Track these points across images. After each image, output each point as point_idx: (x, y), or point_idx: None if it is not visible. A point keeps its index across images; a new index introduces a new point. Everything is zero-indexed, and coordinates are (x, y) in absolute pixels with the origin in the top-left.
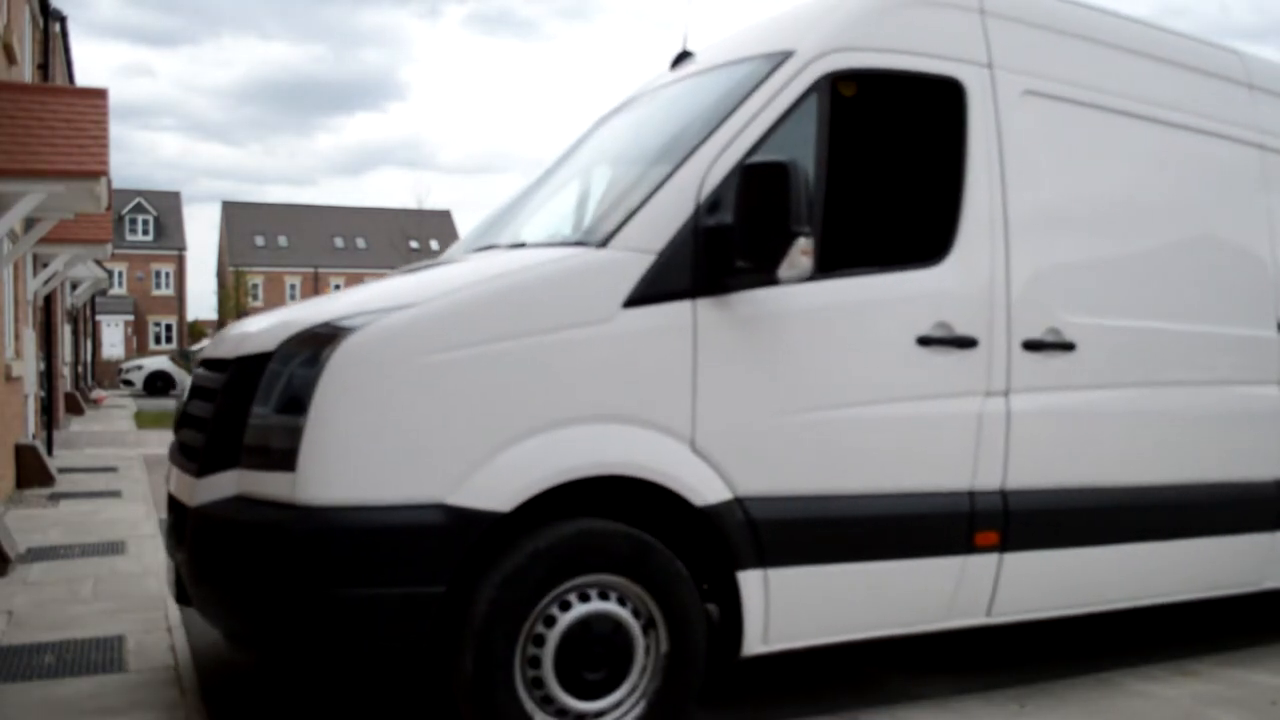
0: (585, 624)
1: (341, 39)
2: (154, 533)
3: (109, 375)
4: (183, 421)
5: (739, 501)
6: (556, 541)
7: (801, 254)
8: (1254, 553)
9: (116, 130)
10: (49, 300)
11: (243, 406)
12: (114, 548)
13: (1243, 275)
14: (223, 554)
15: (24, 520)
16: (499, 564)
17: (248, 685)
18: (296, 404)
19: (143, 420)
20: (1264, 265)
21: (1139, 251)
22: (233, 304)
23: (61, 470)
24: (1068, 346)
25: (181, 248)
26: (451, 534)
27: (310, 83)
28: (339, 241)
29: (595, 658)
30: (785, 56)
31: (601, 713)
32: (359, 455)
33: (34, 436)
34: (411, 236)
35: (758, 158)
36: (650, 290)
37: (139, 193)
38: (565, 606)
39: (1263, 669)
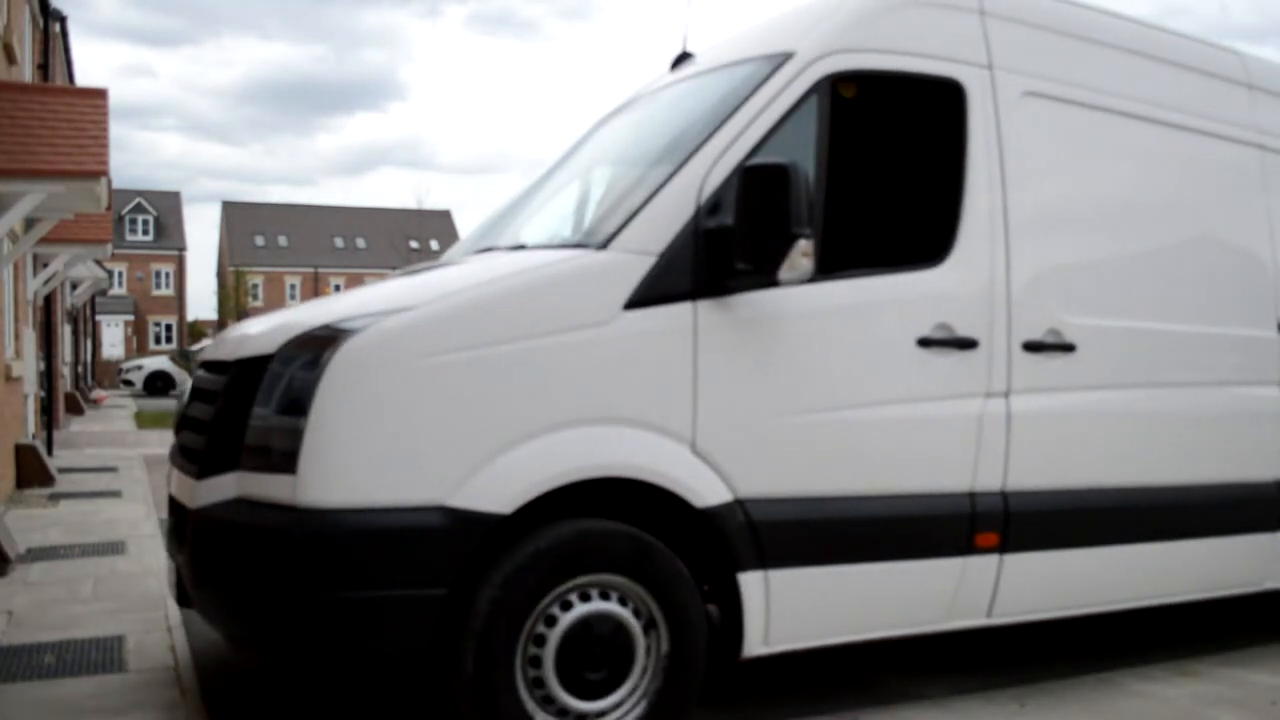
0: (586, 624)
1: (342, 39)
2: (154, 533)
3: (109, 375)
4: (183, 424)
5: (739, 503)
6: (557, 541)
7: (802, 256)
8: (1254, 553)
9: (117, 130)
10: (49, 300)
11: (243, 409)
12: (114, 548)
13: (1243, 276)
14: (224, 556)
15: (24, 520)
16: (500, 564)
17: (248, 685)
18: (297, 406)
19: (143, 420)
20: (1264, 265)
21: (1139, 252)
22: (233, 304)
23: (61, 470)
24: (1068, 348)
25: (181, 248)
26: (452, 536)
27: (310, 83)
28: (339, 241)
29: (596, 658)
30: (785, 58)
31: (602, 713)
32: (360, 457)
33: (34, 436)
34: (411, 236)
35: (758, 159)
36: (651, 292)
37: (139, 193)
38: (566, 606)
39: (1263, 669)
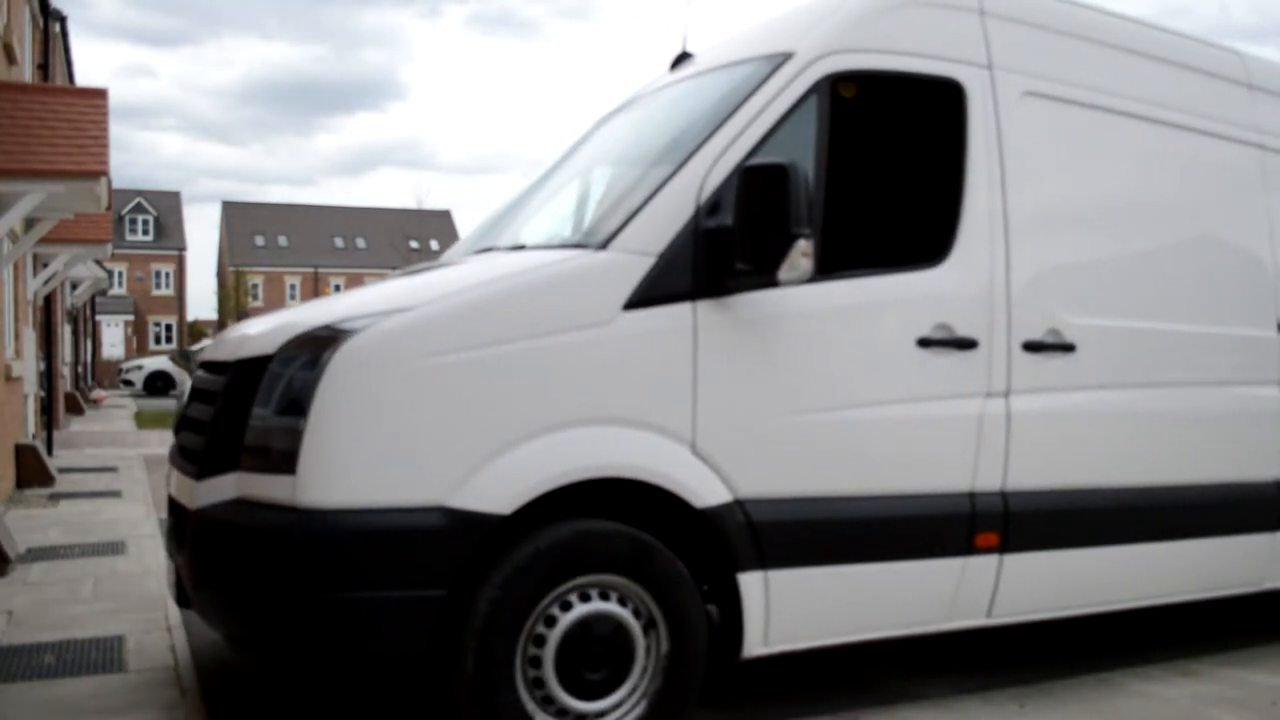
0: (586, 624)
1: (342, 39)
2: (154, 533)
3: (109, 375)
4: (183, 424)
5: (739, 503)
6: (557, 542)
7: (802, 256)
8: (1254, 553)
9: (117, 130)
10: (49, 300)
11: (243, 409)
12: (114, 548)
13: (1242, 275)
14: (223, 557)
15: (24, 520)
16: (500, 564)
17: (248, 685)
18: (296, 406)
19: (143, 420)
20: (1264, 265)
21: (1139, 252)
22: (233, 304)
23: (61, 470)
24: (1068, 347)
25: (181, 248)
26: (452, 537)
27: (311, 83)
28: (339, 241)
29: (596, 658)
30: (785, 58)
31: (602, 713)
32: (359, 458)
33: (34, 436)
34: (411, 236)
35: (758, 159)
36: (650, 292)
37: (139, 193)
38: (566, 607)
39: (1263, 669)
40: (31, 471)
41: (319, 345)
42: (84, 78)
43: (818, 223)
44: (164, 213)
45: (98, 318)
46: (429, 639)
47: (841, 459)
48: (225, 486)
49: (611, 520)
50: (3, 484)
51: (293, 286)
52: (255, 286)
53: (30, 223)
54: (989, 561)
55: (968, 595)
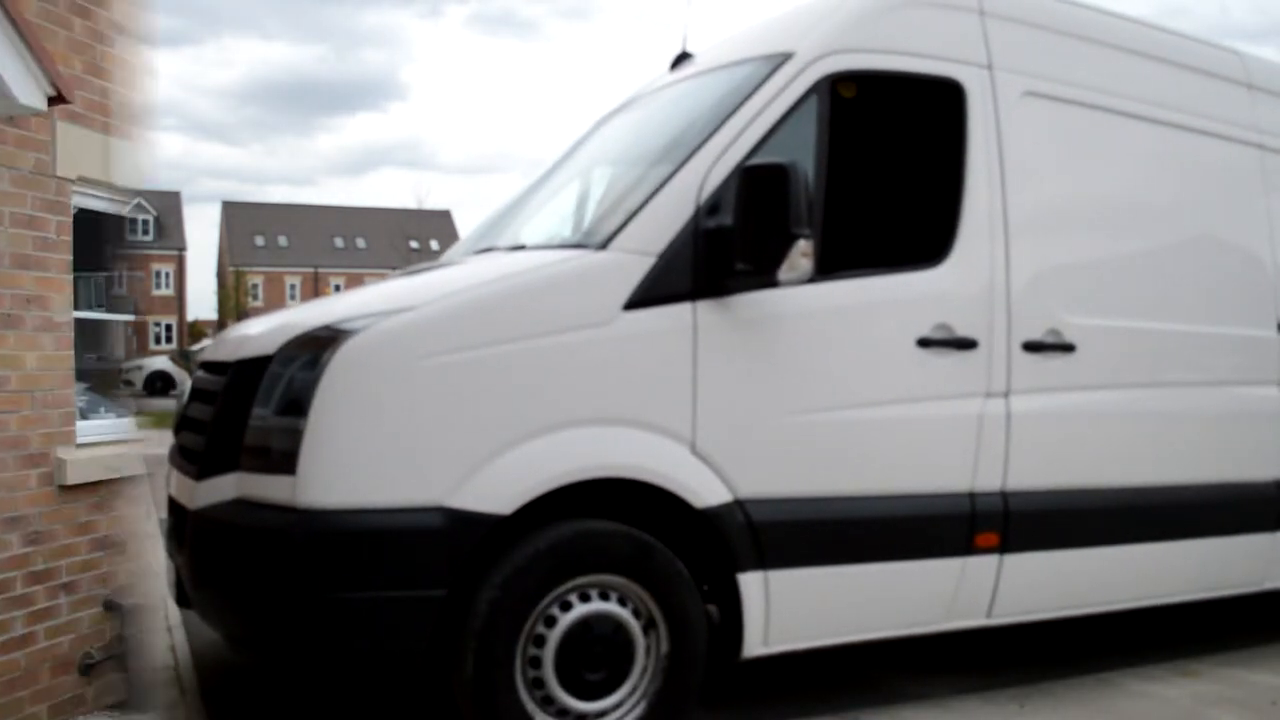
0: (586, 624)
1: (343, 39)
2: (154, 533)
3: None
4: (182, 424)
5: (739, 504)
6: (557, 542)
7: (802, 256)
8: (1254, 553)
9: None
10: None
11: (243, 409)
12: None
13: (1243, 275)
14: (223, 557)
15: None
16: (500, 565)
17: (248, 685)
18: (296, 407)
19: (143, 420)
20: (1264, 265)
21: (1139, 252)
22: (233, 304)
23: None
24: (1068, 347)
25: (181, 248)
26: (452, 537)
27: (311, 83)
28: (339, 241)
29: (596, 658)
30: (785, 58)
31: (602, 713)
32: (359, 458)
33: None
34: (411, 236)
35: (758, 159)
36: (650, 292)
37: (139, 193)
38: (566, 607)
39: (1263, 669)
40: None
41: (319, 345)
42: None
43: (818, 223)
44: (164, 213)
45: None
46: (429, 639)
47: (841, 459)
48: (225, 487)
49: (611, 520)
50: None
51: (293, 286)
52: (255, 286)
53: None
54: (989, 561)
55: (968, 595)
